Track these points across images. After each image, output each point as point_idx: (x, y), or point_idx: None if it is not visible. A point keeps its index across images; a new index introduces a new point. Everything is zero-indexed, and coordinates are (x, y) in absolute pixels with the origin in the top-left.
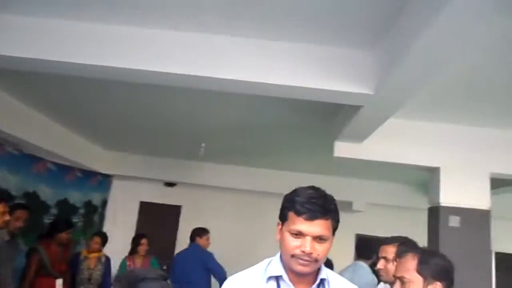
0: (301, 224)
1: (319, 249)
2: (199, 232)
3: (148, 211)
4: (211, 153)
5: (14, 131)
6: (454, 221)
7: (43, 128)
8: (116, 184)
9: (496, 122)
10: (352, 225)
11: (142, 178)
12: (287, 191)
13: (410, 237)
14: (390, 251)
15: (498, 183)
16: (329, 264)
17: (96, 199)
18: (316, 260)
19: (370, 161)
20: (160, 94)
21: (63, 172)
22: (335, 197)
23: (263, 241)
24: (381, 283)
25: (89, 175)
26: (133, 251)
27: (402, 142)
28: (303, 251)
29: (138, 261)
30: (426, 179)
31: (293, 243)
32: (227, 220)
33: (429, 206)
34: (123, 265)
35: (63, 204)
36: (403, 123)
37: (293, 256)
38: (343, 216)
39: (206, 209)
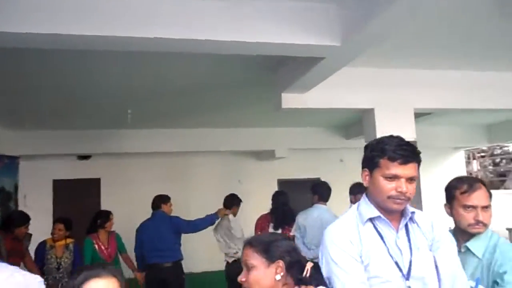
0: (396, 168)
1: (411, 189)
2: (164, 199)
3: (63, 188)
4: (133, 119)
5: None
6: None
7: None
8: (23, 165)
9: (419, 63)
10: (275, 171)
11: (52, 155)
12: (213, 148)
13: (330, 172)
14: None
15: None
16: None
17: (8, 184)
18: (408, 199)
19: (314, 109)
20: (74, 60)
21: None
22: (259, 148)
23: (194, 199)
24: None
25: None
26: (95, 229)
27: (340, 88)
28: (399, 192)
29: (103, 238)
30: (342, 121)
31: (388, 185)
32: (154, 185)
33: (366, 144)
34: (88, 244)
35: None
36: (340, 70)
37: (389, 197)
38: (267, 164)
39: (129, 177)
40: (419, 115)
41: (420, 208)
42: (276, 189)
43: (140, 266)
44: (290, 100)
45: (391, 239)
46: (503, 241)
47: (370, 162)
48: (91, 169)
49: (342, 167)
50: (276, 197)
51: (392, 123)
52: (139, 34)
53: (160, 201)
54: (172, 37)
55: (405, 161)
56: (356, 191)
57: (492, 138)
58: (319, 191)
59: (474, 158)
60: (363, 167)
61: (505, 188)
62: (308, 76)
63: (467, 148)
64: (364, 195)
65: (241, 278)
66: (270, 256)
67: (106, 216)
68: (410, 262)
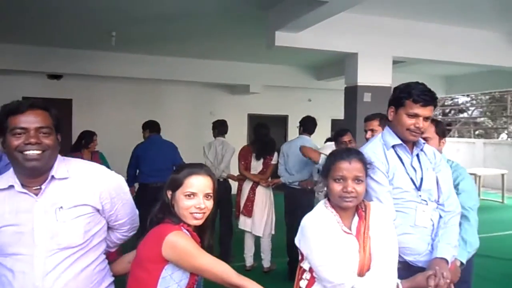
0: (417, 109)
1: (426, 125)
2: (158, 125)
3: None
4: (110, 42)
5: None
6: (367, 97)
7: None
8: None
9: (401, 13)
10: (246, 106)
11: (22, 71)
12: (187, 78)
13: (297, 111)
14: (374, 124)
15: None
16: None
17: None
18: (422, 133)
19: (305, 49)
20: None
21: None
22: (235, 82)
23: (165, 126)
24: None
25: None
26: (80, 149)
27: (329, 31)
28: (417, 127)
29: (87, 157)
30: (314, 62)
31: (409, 121)
32: (125, 110)
33: (346, 86)
34: None
35: None
36: None
37: (407, 129)
38: (238, 98)
39: (102, 100)
40: (394, 63)
41: None
42: (246, 123)
43: (130, 185)
44: (283, 38)
45: (407, 162)
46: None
47: (397, 101)
48: (62, 89)
49: (310, 106)
50: (257, 129)
51: (373, 68)
52: None
53: (158, 126)
54: None
55: (425, 104)
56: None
57: (449, 89)
58: (305, 124)
59: None
60: (389, 105)
61: (450, 137)
62: (307, 17)
63: None
64: (387, 127)
65: (351, 189)
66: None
67: (90, 136)
68: (421, 178)
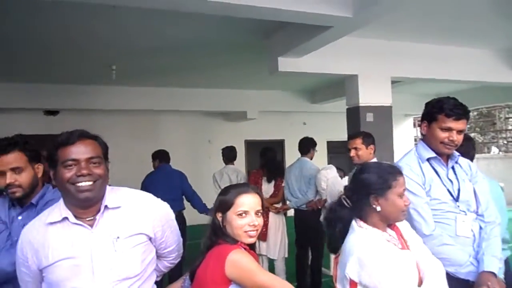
0: (450, 123)
1: (460, 138)
2: (168, 154)
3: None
4: (106, 76)
5: None
6: (369, 117)
7: None
8: None
9: (397, 35)
10: (242, 132)
11: (19, 109)
12: (184, 107)
13: (293, 134)
14: (357, 142)
15: None
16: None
17: None
18: (456, 145)
19: (307, 73)
20: (52, 13)
21: None
22: (232, 109)
23: None
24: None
25: None
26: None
27: (329, 55)
28: (451, 140)
29: None
30: (308, 86)
31: (442, 135)
32: (123, 142)
33: (348, 107)
34: None
35: None
36: None
37: (441, 143)
38: (235, 125)
39: (100, 134)
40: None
41: (392, 159)
42: (243, 149)
43: None
44: (286, 64)
45: (443, 174)
46: None
47: (429, 116)
48: (59, 125)
49: (305, 129)
50: (265, 153)
51: (373, 89)
52: None
53: (167, 155)
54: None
55: (458, 118)
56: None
57: None
58: (301, 146)
59: (418, 126)
60: (422, 120)
61: None
62: (311, 42)
63: (416, 116)
64: (421, 141)
65: (406, 202)
66: None
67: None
68: (459, 189)
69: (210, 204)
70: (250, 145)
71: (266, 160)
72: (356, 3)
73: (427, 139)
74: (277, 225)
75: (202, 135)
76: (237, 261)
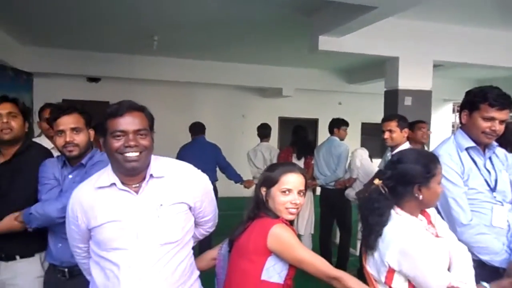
0: (493, 112)
1: (502, 128)
2: (203, 127)
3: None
4: (147, 46)
5: None
6: (408, 100)
7: None
8: (37, 82)
9: (441, 18)
10: (277, 109)
11: (63, 75)
12: (221, 81)
13: (328, 114)
14: (392, 124)
15: None
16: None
17: (27, 100)
18: (497, 135)
19: (348, 53)
20: None
21: None
22: (268, 85)
23: None
24: (388, 150)
25: (17, 74)
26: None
27: (371, 35)
28: (493, 130)
29: None
30: (346, 65)
31: (484, 124)
32: (159, 112)
33: (386, 89)
34: None
35: None
36: None
37: (483, 132)
38: (270, 101)
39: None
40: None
41: (429, 145)
42: (277, 126)
43: None
44: (327, 43)
45: (480, 164)
46: None
47: (471, 105)
48: (100, 92)
49: (340, 110)
50: (297, 131)
51: (413, 72)
52: None
53: (202, 128)
54: None
55: (502, 107)
56: (337, 125)
57: None
58: (331, 125)
59: (457, 112)
60: (462, 109)
61: None
62: (353, 22)
63: (455, 101)
64: (460, 129)
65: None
66: None
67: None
68: (496, 180)
69: (244, 176)
70: (283, 122)
71: (297, 138)
72: None
73: (466, 128)
74: (306, 201)
75: (236, 110)
76: (279, 235)
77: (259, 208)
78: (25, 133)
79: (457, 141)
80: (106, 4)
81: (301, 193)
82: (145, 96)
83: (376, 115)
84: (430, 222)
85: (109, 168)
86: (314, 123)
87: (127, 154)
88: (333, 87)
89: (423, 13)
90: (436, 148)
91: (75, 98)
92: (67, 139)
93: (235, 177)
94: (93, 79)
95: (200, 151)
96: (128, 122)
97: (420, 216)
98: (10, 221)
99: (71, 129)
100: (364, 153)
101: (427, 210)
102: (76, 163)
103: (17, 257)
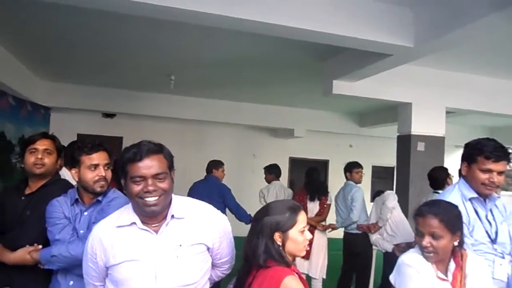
0: (490, 164)
1: (500, 179)
2: (216, 165)
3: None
4: (161, 85)
5: None
6: (421, 146)
7: None
8: (54, 117)
9: (454, 66)
10: (287, 149)
11: (79, 110)
12: (231, 119)
13: (338, 156)
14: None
15: None
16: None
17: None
18: (497, 186)
19: (361, 97)
20: (116, 23)
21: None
22: (280, 125)
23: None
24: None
25: (35, 109)
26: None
27: (384, 81)
28: (491, 181)
29: None
30: (358, 109)
31: (483, 176)
32: (172, 148)
33: (399, 134)
34: None
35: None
36: None
37: (482, 184)
38: (281, 141)
39: (149, 139)
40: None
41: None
42: (287, 166)
43: None
44: (341, 87)
45: (483, 215)
46: None
47: (469, 157)
48: (115, 127)
49: (351, 152)
50: (310, 172)
51: (426, 118)
52: (202, 9)
53: (212, 166)
54: (232, 16)
55: (497, 160)
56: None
57: None
58: (344, 170)
59: None
60: (462, 160)
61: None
62: (368, 68)
63: None
64: (462, 179)
65: (426, 243)
66: (453, 229)
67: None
68: (496, 231)
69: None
70: (294, 162)
71: (311, 179)
72: (418, 34)
73: (467, 179)
74: (320, 245)
75: (247, 149)
76: None
77: (271, 256)
78: (56, 169)
79: (461, 190)
80: (126, 45)
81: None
82: (158, 132)
83: (386, 159)
84: (460, 267)
85: (129, 207)
86: (324, 164)
87: (147, 199)
88: (344, 130)
89: (436, 61)
90: (442, 195)
91: (90, 133)
92: (103, 174)
93: (245, 218)
94: (109, 115)
95: (209, 190)
96: (147, 167)
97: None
98: (24, 255)
99: (104, 164)
100: (394, 197)
101: (464, 257)
102: (91, 200)
103: None
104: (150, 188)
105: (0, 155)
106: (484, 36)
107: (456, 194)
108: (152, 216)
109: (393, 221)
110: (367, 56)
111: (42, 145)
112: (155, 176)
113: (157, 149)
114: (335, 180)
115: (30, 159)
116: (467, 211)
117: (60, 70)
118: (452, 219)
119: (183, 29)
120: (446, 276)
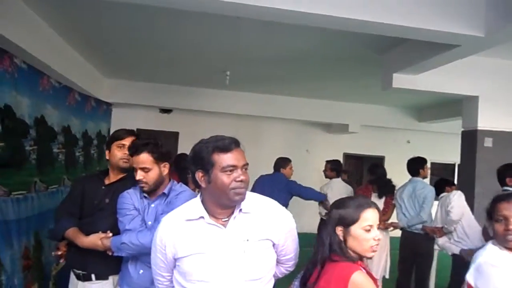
0: None
1: None
2: (284, 162)
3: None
4: (218, 80)
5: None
6: (488, 142)
7: (54, 47)
8: (115, 112)
9: None
10: (341, 145)
11: (138, 105)
12: (285, 115)
13: (395, 152)
14: None
15: None
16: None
17: (104, 129)
18: None
19: (423, 91)
20: (177, 20)
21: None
22: (334, 121)
23: (262, 161)
24: None
25: (99, 104)
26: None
27: (448, 73)
28: None
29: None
30: (416, 103)
31: None
32: None
33: (463, 130)
34: None
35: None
36: None
37: None
38: (334, 137)
39: (205, 134)
40: None
41: None
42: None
43: None
44: (401, 81)
45: None
46: None
47: None
48: (171, 122)
49: (407, 148)
50: (374, 169)
51: (494, 112)
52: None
53: (280, 163)
54: (292, 9)
55: None
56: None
57: None
58: (408, 168)
59: None
60: None
61: None
62: (432, 60)
63: None
64: None
65: None
66: None
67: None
68: None
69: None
70: (348, 158)
71: (376, 176)
72: (490, 22)
73: None
74: (383, 243)
75: (300, 144)
76: (361, 284)
77: (334, 250)
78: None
79: None
80: (186, 43)
81: (378, 228)
82: (213, 127)
83: (446, 155)
84: None
85: (197, 201)
86: (380, 160)
87: (239, 190)
88: (401, 125)
89: (506, 51)
90: None
91: (148, 128)
92: (137, 178)
93: (317, 195)
94: (165, 111)
95: (272, 186)
96: (238, 158)
97: None
98: (96, 240)
99: (141, 168)
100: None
101: None
102: (154, 194)
103: (93, 277)
104: (243, 177)
105: (66, 148)
106: None
107: None
108: (236, 204)
109: (462, 226)
110: (431, 47)
111: (129, 141)
112: (243, 166)
113: (239, 142)
114: (392, 177)
115: (118, 154)
116: None
117: (122, 68)
118: None
119: (244, 26)
120: None
